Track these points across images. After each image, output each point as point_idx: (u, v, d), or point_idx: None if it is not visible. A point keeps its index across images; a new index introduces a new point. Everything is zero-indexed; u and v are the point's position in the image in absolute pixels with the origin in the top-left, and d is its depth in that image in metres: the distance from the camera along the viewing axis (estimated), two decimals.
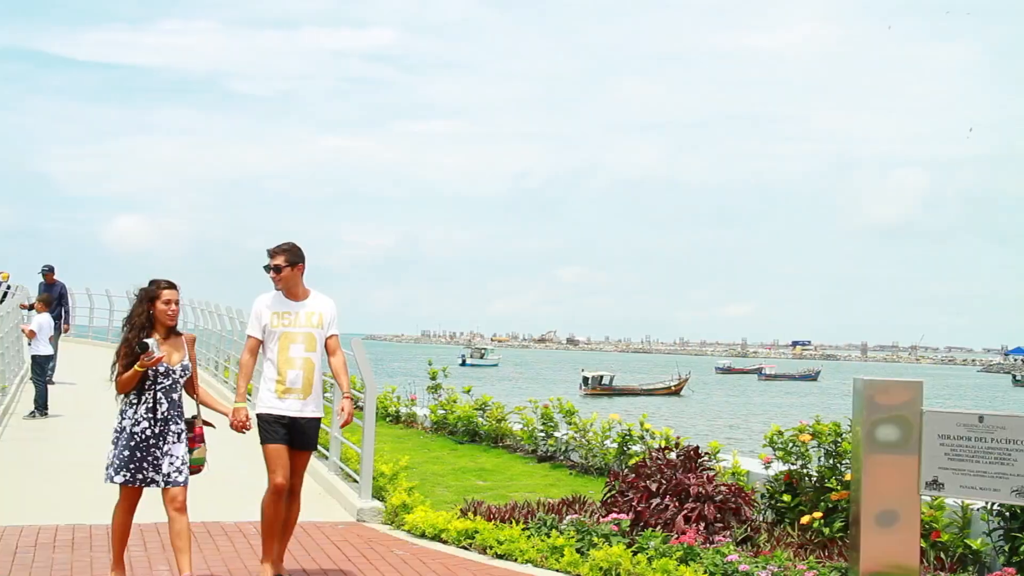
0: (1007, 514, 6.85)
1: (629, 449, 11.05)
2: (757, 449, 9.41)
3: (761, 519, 8.47)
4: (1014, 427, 6.26)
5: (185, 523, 6.29)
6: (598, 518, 8.13)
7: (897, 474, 6.52)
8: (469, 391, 15.50)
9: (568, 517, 8.18)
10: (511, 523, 8.20)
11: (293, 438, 6.69)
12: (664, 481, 8.27)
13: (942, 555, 7.14)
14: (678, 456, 8.69)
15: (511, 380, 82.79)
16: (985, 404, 72.33)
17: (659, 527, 7.80)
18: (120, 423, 6.34)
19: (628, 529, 7.81)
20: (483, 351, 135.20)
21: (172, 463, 6.31)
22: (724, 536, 7.70)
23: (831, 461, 8.23)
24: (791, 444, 8.50)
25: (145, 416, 6.28)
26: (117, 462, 6.26)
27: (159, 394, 6.33)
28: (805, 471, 8.41)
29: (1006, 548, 6.79)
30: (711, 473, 8.50)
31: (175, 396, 6.41)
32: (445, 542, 8.17)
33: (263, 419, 6.66)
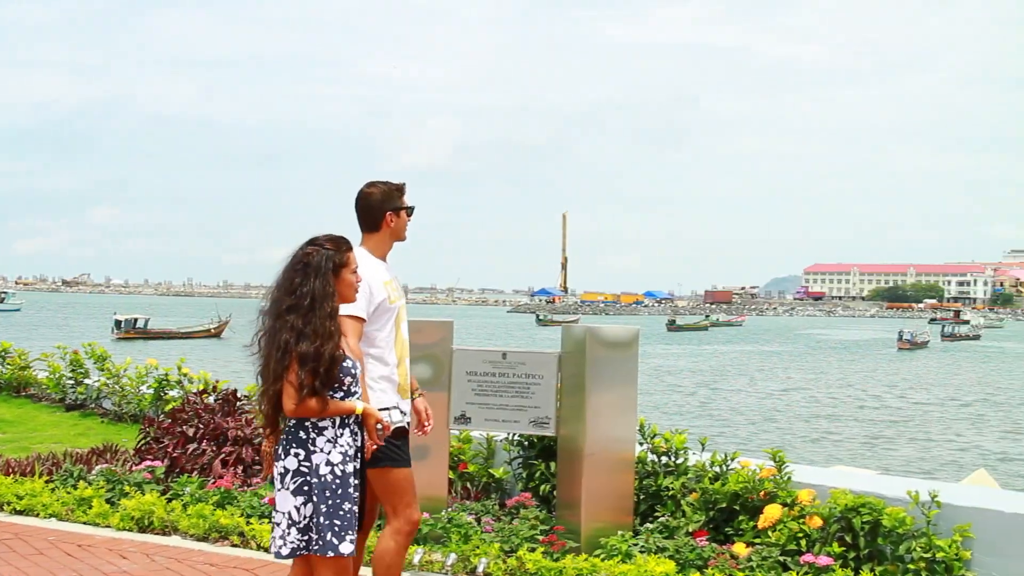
0: (526, 443, 7.39)
1: (166, 394, 10.72)
2: None
3: None
4: (533, 363, 6.75)
5: None
6: (131, 466, 7.83)
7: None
8: None
9: (98, 467, 7.81)
10: (33, 477, 7.69)
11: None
12: (202, 426, 8.10)
13: (468, 485, 7.57)
14: (216, 400, 8.55)
15: (36, 327, 77.57)
16: (511, 342, 77.68)
17: (196, 472, 7.65)
18: (307, 459, 4.13)
19: (163, 476, 7.59)
20: (2, 295, 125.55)
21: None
22: (262, 478, 7.69)
23: None
24: None
25: (352, 444, 4.23)
26: (345, 523, 4.12)
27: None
28: None
29: (524, 475, 7.33)
30: (250, 416, 8.44)
31: None
32: None
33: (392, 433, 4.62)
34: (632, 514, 6.56)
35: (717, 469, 6.70)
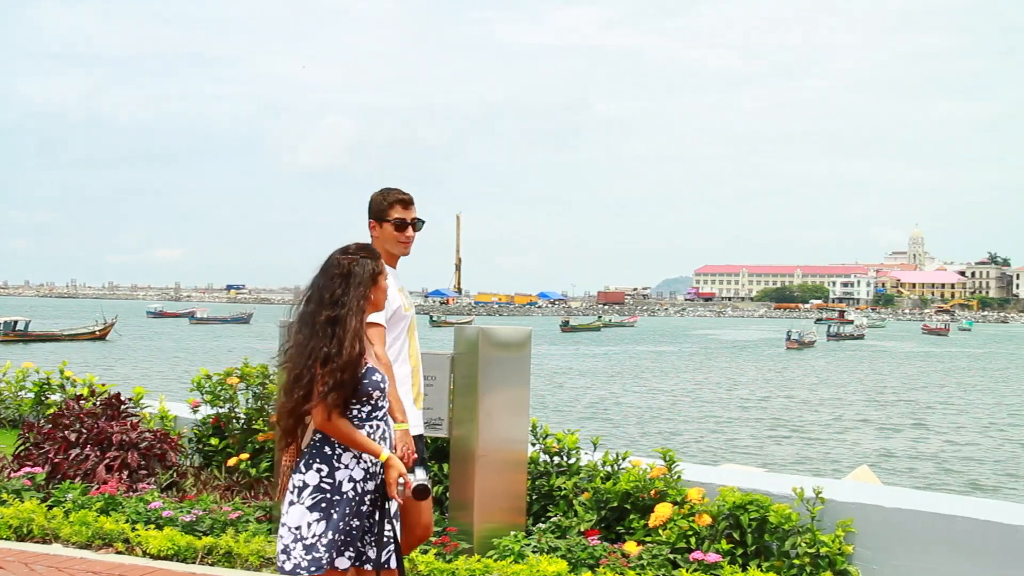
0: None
1: (48, 399, 10.41)
2: (186, 394, 9.25)
3: (188, 464, 8.37)
4: (426, 364, 6.68)
5: None
6: (9, 473, 7.59)
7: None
8: None
9: None
10: None
11: None
12: (85, 430, 7.89)
13: None
14: (100, 404, 8.34)
15: None
16: None
17: (79, 479, 7.45)
18: (330, 475, 3.98)
19: (44, 483, 7.38)
20: None
21: (391, 530, 4.12)
22: (149, 483, 7.52)
23: (258, 403, 8.32)
24: (219, 387, 8.46)
25: (374, 461, 4.04)
26: (349, 539, 3.98)
27: (383, 426, 4.13)
28: (233, 414, 8.42)
29: None
30: (136, 420, 8.26)
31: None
32: None
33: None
34: (525, 514, 6.58)
35: (608, 469, 6.76)
